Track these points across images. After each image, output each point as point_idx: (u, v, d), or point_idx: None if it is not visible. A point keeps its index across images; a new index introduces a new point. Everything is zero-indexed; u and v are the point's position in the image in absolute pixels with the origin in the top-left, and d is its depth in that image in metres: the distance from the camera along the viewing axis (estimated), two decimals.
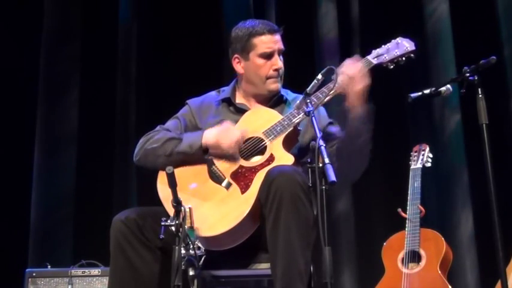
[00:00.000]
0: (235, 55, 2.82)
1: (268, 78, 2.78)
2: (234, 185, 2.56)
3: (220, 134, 2.62)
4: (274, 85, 2.79)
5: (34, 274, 3.62)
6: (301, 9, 4.77)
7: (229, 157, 2.61)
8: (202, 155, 2.63)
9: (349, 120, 2.63)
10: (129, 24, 4.91)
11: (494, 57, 2.74)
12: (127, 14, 4.93)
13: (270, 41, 2.76)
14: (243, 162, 2.61)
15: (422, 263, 3.61)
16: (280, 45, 2.79)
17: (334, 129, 2.77)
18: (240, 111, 2.80)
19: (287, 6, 4.73)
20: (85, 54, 4.83)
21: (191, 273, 2.39)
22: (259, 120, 2.69)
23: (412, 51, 2.77)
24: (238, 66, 2.83)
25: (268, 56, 2.76)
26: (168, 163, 2.44)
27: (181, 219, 2.33)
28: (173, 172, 2.34)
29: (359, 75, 2.61)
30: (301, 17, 4.75)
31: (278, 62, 2.77)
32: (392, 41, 2.79)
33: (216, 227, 2.47)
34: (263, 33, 2.76)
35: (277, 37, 2.78)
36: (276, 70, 2.77)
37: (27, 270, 3.67)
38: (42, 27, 4.84)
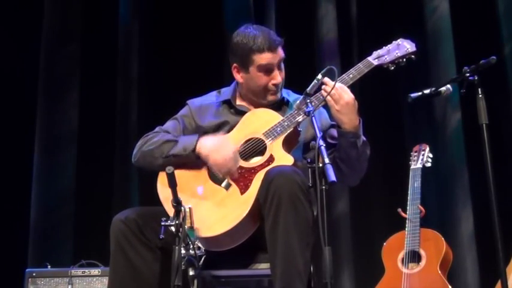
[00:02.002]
0: (235, 64, 2.80)
1: (268, 91, 2.76)
2: (234, 186, 2.55)
3: (214, 147, 2.60)
4: (273, 96, 2.79)
5: (34, 274, 3.62)
6: (300, 10, 4.76)
7: (215, 171, 2.59)
8: (196, 159, 2.63)
9: (339, 134, 2.65)
10: (129, 24, 4.91)
11: (494, 57, 2.74)
12: (127, 14, 4.93)
13: (270, 58, 2.71)
14: (242, 163, 2.60)
15: (422, 263, 3.61)
16: (280, 57, 2.74)
17: (336, 132, 2.74)
18: (241, 112, 2.79)
19: (287, 7, 4.72)
20: (85, 55, 4.82)
21: (191, 273, 2.40)
22: (259, 121, 2.69)
23: (412, 53, 2.77)
24: (238, 75, 2.80)
25: (268, 71, 2.74)
26: (165, 165, 2.43)
27: (181, 219, 2.33)
28: (173, 172, 2.34)
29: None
30: (301, 18, 4.75)
31: (277, 77, 2.74)
32: (393, 42, 2.79)
33: (215, 227, 2.47)
34: (263, 51, 2.70)
35: (278, 51, 2.74)
36: (275, 85, 2.75)
37: (27, 270, 3.66)
38: (42, 28, 4.83)
